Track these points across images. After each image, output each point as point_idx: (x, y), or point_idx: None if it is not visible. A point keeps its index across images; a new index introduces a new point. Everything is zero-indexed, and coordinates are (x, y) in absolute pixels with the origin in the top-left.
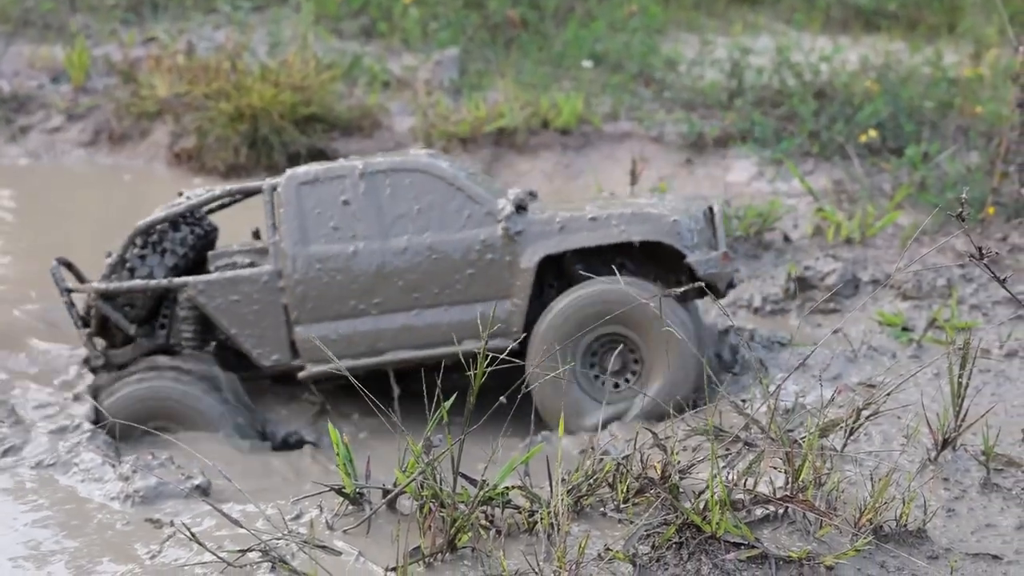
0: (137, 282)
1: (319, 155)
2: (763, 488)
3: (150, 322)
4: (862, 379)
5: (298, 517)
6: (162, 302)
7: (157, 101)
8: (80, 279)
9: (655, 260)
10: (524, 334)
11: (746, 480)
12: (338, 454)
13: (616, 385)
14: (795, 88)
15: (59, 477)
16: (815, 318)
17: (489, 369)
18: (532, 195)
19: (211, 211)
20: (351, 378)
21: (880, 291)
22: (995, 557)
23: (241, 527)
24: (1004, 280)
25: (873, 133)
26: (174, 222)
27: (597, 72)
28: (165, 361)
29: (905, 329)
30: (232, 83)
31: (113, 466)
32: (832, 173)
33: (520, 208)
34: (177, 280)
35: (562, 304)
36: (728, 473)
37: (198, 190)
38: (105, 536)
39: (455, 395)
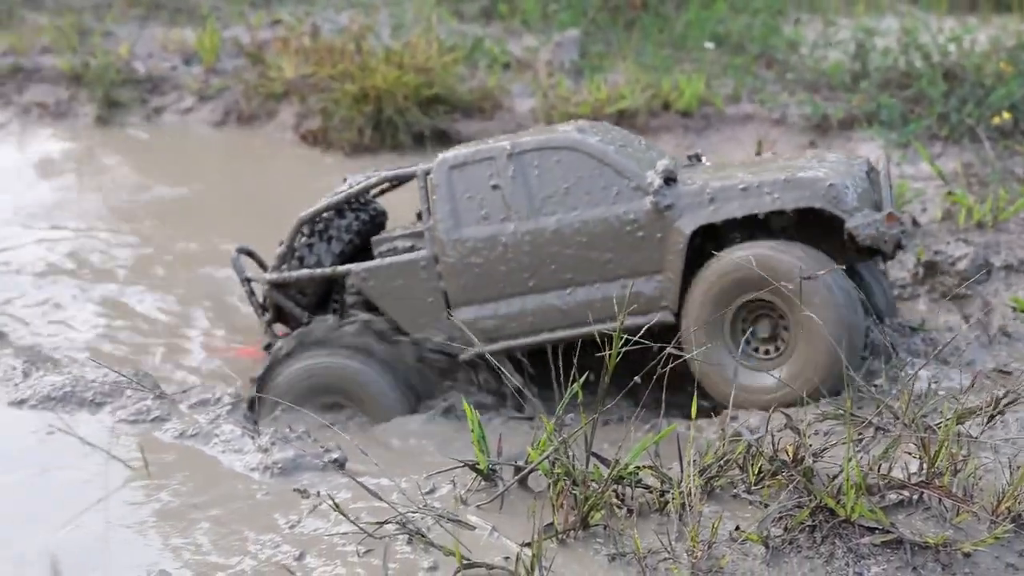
0: (304, 271)
1: (442, 136)
2: (897, 474)
3: (323, 308)
4: (997, 365)
5: (432, 491)
6: (332, 288)
7: (284, 82)
8: (262, 266)
9: (821, 223)
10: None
11: (880, 465)
12: (473, 431)
13: (767, 352)
14: (923, 70)
15: (201, 447)
16: (946, 303)
17: (630, 347)
18: (697, 157)
19: (377, 195)
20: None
21: (1015, 276)
22: None
23: (379, 499)
24: None
25: (1007, 115)
26: (339, 209)
27: (718, 54)
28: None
29: None
30: (357, 65)
31: (252, 438)
32: (962, 156)
33: (669, 180)
34: (340, 268)
35: (706, 272)
36: (862, 458)
37: (358, 176)
38: (246, 505)
39: (587, 374)
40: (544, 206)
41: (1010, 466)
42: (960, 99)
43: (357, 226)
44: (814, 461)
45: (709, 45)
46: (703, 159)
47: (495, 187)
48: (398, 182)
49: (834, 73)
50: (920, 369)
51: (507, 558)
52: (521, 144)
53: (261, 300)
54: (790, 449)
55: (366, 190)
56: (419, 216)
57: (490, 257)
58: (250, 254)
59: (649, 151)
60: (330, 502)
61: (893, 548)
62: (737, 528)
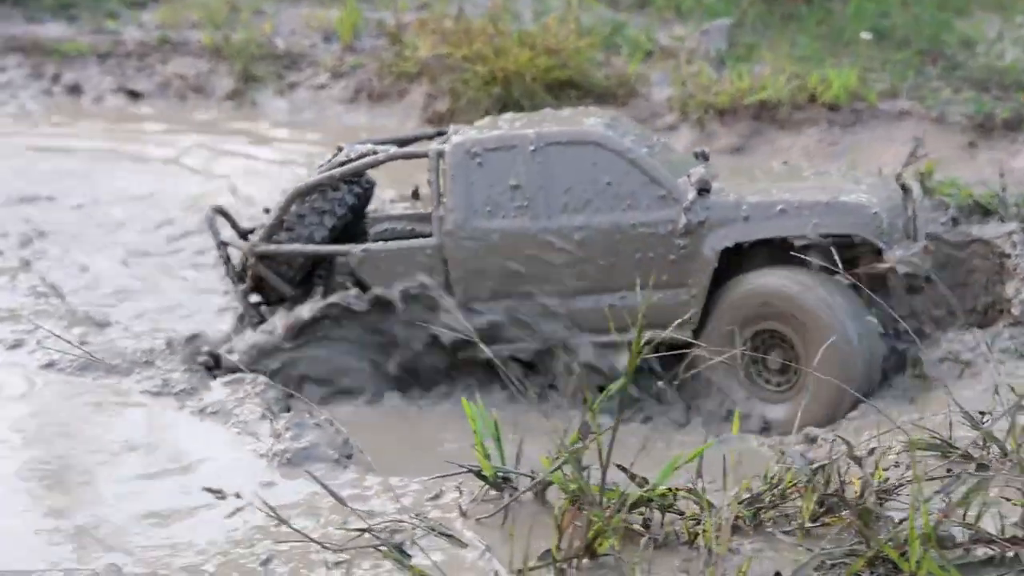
0: (295, 247)
1: None
2: (990, 523)
3: (307, 283)
4: None
5: (437, 496)
6: (319, 264)
7: (417, 62)
8: (236, 229)
9: (845, 245)
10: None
11: (965, 512)
12: (475, 432)
13: (779, 384)
14: None
15: (218, 426)
16: None
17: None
18: (704, 156)
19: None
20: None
21: None
22: None
23: (344, 505)
24: None
25: None
26: (333, 181)
27: (879, 47)
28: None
29: None
30: (492, 46)
31: (270, 421)
32: None
33: (703, 191)
34: (337, 247)
35: (727, 295)
36: (940, 500)
37: (357, 146)
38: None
39: (622, 380)
40: (564, 204)
41: None
42: None
43: (351, 200)
44: (881, 500)
45: (866, 36)
46: (709, 159)
47: (515, 176)
48: (405, 159)
49: (1011, 71)
50: None
51: None
52: (546, 135)
53: (238, 268)
54: (858, 483)
55: (371, 166)
56: (414, 195)
57: (501, 252)
58: (224, 215)
59: (668, 152)
60: (265, 509)
61: None
62: (777, 574)
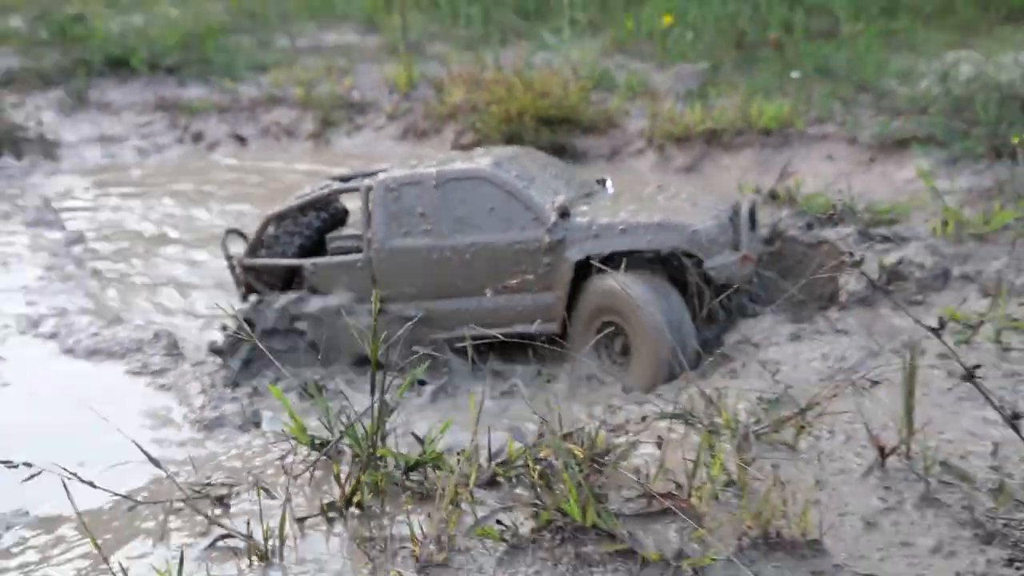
0: (267, 260)
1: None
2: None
3: (287, 290)
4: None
5: (284, 457)
6: (294, 275)
7: (451, 106)
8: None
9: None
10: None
11: (657, 471)
12: (285, 404)
13: (621, 363)
14: (982, 95)
15: (167, 398)
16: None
17: None
18: (602, 182)
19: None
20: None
21: (970, 287)
22: None
23: (158, 466)
24: None
25: None
26: (302, 209)
27: (824, 83)
28: None
29: (970, 327)
30: (507, 92)
31: (204, 395)
32: (1001, 173)
33: (563, 215)
34: (296, 260)
35: (580, 296)
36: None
37: (324, 182)
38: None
39: (428, 362)
40: (459, 226)
41: (774, 481)
42: (1010, 121)
43: (317, 224)
44: (600, 463)
45: (795, 74)
46: (608, 184)
47: (421, 205)
48: (346, 192)
49: (925, 98)
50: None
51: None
52: (445, 173)
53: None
54: (578, 451)
55: (320, 199)
56: None
57: (412, 265)
58: (240, 234)
59: (557, 180)
60: (67, 474)
61: (625, 558)
62: (476, 521)
